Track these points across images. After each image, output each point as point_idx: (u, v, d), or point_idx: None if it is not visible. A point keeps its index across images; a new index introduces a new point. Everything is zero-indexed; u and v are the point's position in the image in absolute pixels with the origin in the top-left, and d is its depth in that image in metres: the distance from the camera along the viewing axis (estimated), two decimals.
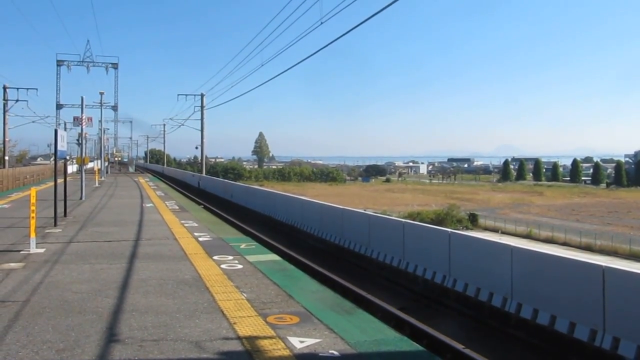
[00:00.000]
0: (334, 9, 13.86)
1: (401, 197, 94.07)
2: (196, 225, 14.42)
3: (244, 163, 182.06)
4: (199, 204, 25.95)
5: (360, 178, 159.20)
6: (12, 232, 12.40)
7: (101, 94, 45.42)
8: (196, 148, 51.19)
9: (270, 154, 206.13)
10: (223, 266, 8.76)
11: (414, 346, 5.29)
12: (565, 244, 48.99)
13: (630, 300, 6.45)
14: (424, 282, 10.43)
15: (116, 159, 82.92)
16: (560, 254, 8.33)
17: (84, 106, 25.88)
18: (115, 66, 64.38)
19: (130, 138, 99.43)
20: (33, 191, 10.24)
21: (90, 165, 50.56)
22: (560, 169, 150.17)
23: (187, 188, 40.73)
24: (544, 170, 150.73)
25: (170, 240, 11.55)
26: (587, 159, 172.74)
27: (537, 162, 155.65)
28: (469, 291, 9.10)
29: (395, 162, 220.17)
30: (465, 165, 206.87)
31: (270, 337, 5.27)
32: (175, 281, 7.65)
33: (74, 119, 40.29)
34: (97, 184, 34.23)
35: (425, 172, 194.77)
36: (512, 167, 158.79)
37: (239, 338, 5.26)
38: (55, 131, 15.12)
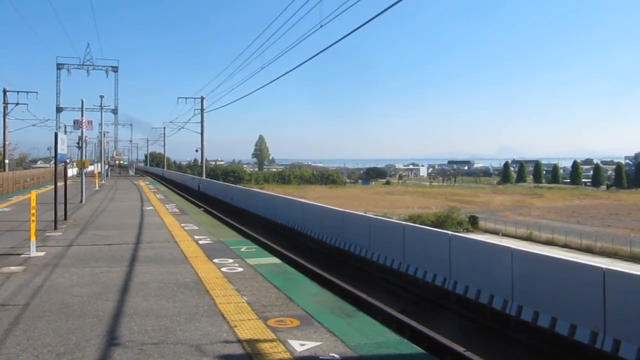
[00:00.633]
0: (334, 11, 13.92)
1: (401, 199, 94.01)
2: (196, 228, 14.43)
3: (244, 166, 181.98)
4: (199, 206, 25.92)
5: (360, 181, 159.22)
6: (12, 236, 12.40)
7: (101, 97, 45.61)
8: (196, 151, 51.24)
9: (271, 157, 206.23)
10: (223, 269, 8.76)
11: (415, 349, 5.29)
12: (565, 246, 49.03)
13: (631, 302, 6.44)
14: (425, 284, 10.41)
15: (116, 162, 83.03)
16: (560, 256, 8.31)
17: (84, 109, 25.87)
18: (115, 69, 64.66)
19: (130, 141, 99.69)
20: (33, 194, 10.23)
21: (90, 168, 50.54)
22: (561, 171, 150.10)
23: (187, 191, 40.70)
24: (544, 172, 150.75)
25: (170, 244, 11.55)
26: (587, 161, 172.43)
27: (537, 164, 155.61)
28: (469, 293, 9.09)
29: (395, 165, 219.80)
30: (466, 168, 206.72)
31: (271, 340, 5.26)
32: (176, 284, 7.65)
33: (74, 122, 40.53)
34: (97, 187, 34.26)
35: (426, 175, 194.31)
36: (512, 169, 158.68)
37: (239, 341, 5.26)
38: (56, 134, 15.15)
